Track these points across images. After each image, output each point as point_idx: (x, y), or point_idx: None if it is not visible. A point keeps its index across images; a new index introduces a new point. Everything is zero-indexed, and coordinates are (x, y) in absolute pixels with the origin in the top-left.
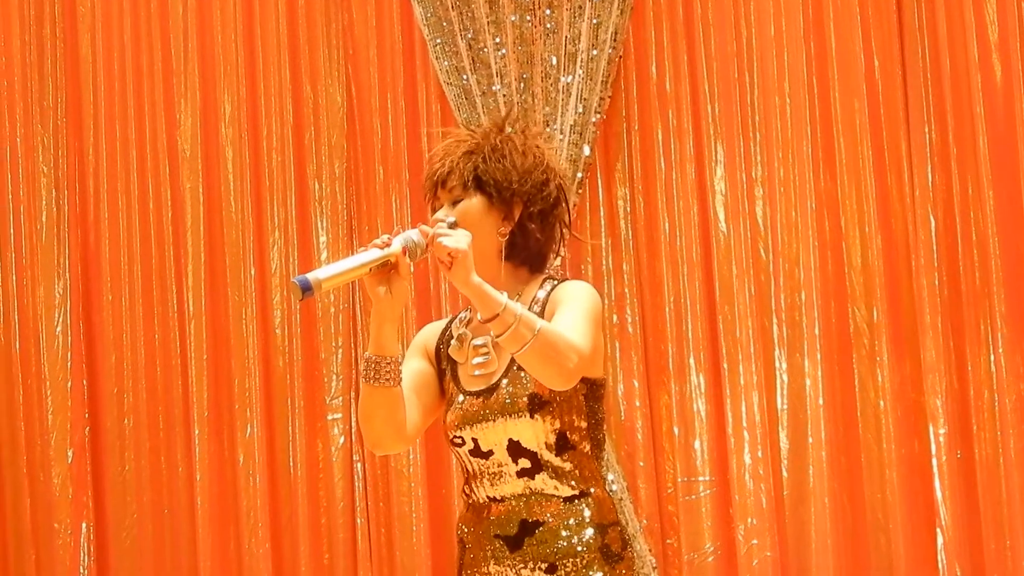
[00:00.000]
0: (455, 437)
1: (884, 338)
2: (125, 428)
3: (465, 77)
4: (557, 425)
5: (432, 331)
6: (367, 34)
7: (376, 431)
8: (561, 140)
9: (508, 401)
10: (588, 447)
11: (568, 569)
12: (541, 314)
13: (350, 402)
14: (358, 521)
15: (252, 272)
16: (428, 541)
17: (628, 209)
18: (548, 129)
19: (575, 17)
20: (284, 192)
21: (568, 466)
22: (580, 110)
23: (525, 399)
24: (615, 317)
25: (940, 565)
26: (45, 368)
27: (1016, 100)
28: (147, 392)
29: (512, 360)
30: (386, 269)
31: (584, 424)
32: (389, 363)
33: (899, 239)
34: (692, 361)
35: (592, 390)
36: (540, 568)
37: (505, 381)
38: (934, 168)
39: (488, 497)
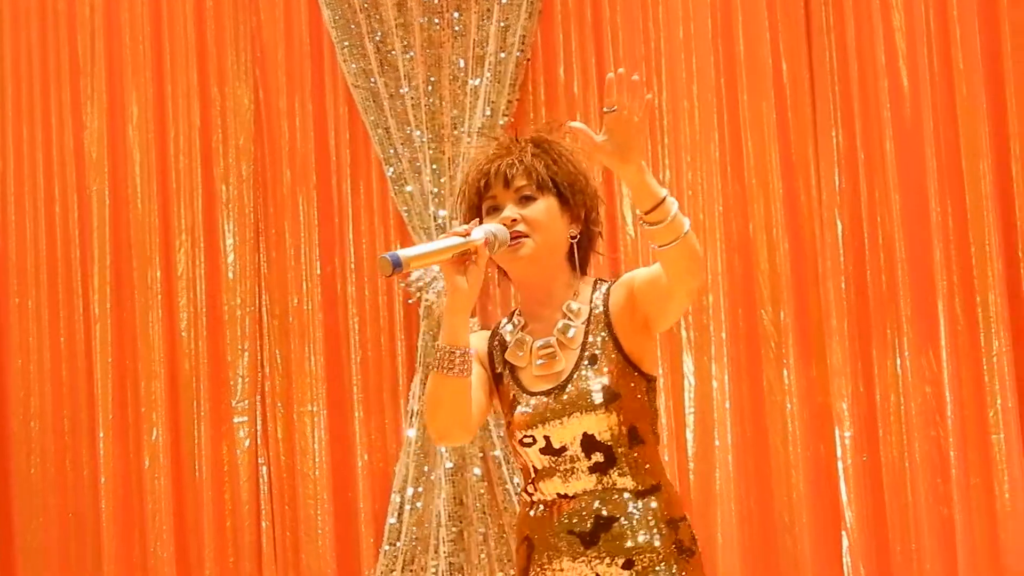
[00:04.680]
0: (525, 436)
1: (791, 341)
2: (31, 431)
3: (373, 80)
4: (629, 418)
5: (480, 339)
6: (275, 37)
7: (444, 421)
8: (469, 143)
9: (582, 396)
10: (654, 442)
11: (644, 564)
12: (606, 311)
13: (256, 405)
14: (263, 524)
15: (158, 275)
16: (333, 544)
17: None
18: (455, 132)
19: (483, 20)
20: (191, 194)
21: (640, 459)
22: (488, 113)
23: (600, 392)
24: None
25: (845, 567)
26: None
27: (923, 105)
28: (52, 395)
29: (581, 356)
30: (464, 258)
31: (647, 420)
32: (463, 354)
33: (806, 242)
34: None
35: (650, 386)
36: (617, 564)
37: (576, 377)
38: (841, 172)
39: (558, 494)
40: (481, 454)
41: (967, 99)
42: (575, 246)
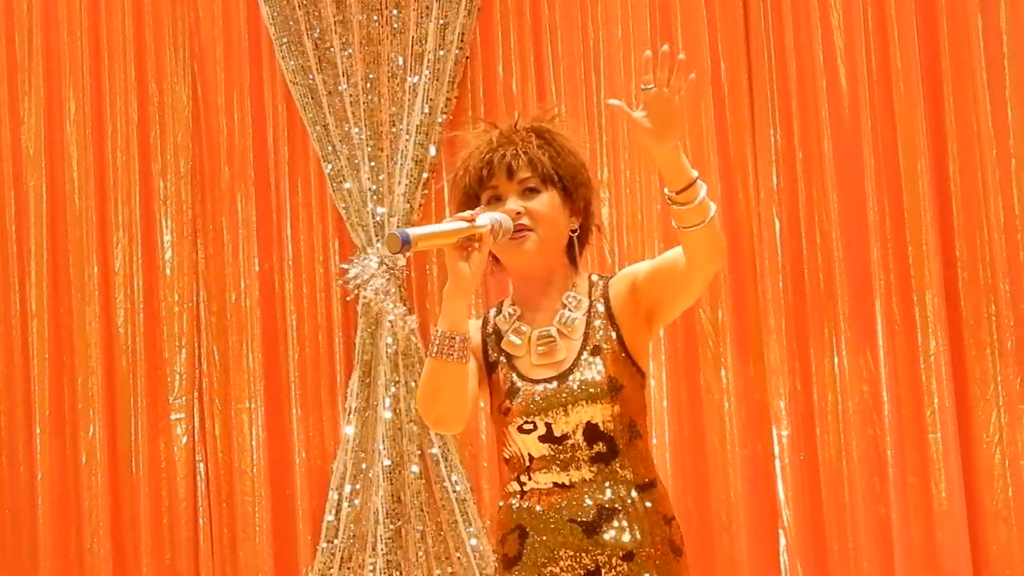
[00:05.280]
0: (526, 423)
1: (729, 340)
2: None
3: (311, 77)
4: (629, 411)
5: (471, 327)
6: (213, 33)
7: (442, 407)
8: (407, 141)
9: (587, 385)
10: (648, 438)
11: (643, 558)
12: (607, 304)
13: (193, 401)
14: (200, 521)
15: (95, 271)
16: (271, 541)
17: None
18: (394, 129)
19: (422, 17)
20: (128, 190)
21: (639, 453)
22: (426, 110)
23: (605, 382)
24: None
25: (783, 565)
26: None
27: (861, 105)
28: None
29: (583, 346)
30: (469, 243)
31: (643, 415)
32: (462, 339)
33: (744, 241)
34: None
35: (644, 382)
36: (617, 555)
37: (580, 366)
38: (779, 170)
39: (554, 483)
40: (419, 452)
41: (905, 98)
42: (574, 239)
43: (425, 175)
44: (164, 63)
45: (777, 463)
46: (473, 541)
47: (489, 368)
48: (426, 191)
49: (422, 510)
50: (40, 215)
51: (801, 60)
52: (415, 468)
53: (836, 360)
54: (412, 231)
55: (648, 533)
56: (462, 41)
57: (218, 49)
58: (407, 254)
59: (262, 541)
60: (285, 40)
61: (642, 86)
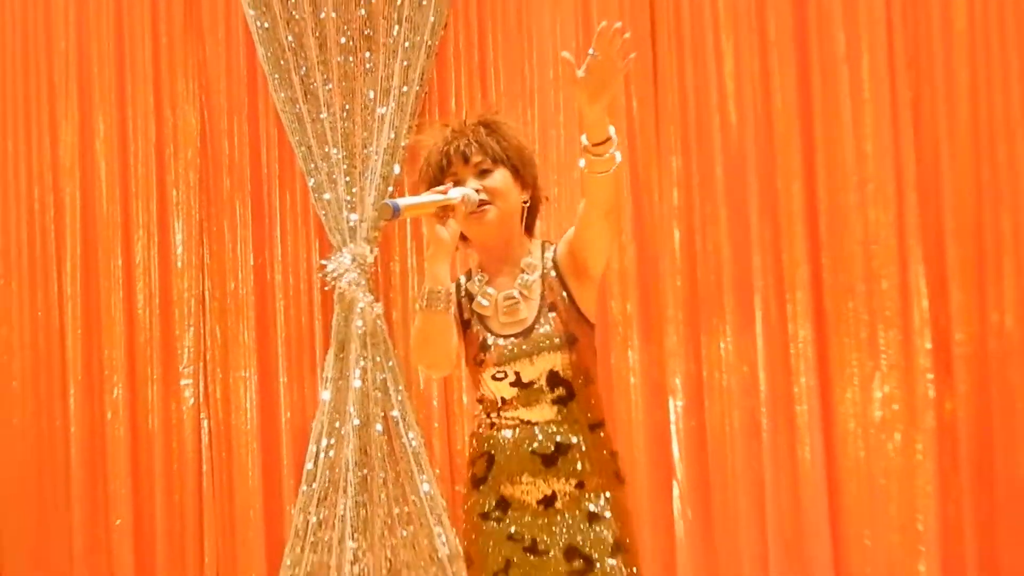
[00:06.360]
0: (498, 372)
1: (635, 327)
2: (13, 390)
3: (298, 107)
4: (583, 359)
5: None
6: (218, 69)
7: (434, 352)
8: (376, 160)
9: (548, 338)
10: (598, 382)
11: (593, 485)
12: (556, 266)
13: (199, 371)
14: (204, 467)
15: (120, 263)
16: (261, 484)
17: None
18: (365, 151)
19: (389, 59)
20: (147, 198)
21: (592, 396)
22: (392, 135)
23: (562, 335)
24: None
25: (675, 511)
26: None
27: (746, 138)
28: (31, 360)
29: (541, 305)
30: (444, 212)
31: (594, 362)
32: (447, 292)
33: (649, 247)
34: None
35: (593, 332)
36: (571, 483)
37: (540, 322)
38: (679, 190)
39: (521, 420)
40: (382, 414)
41: (783, 133)
42: (527, 210)
43: (391, 188)
44: (177, 93)
45: (673, 428)
46: (425, 487)
47: (464, 325)
48: None
49: (384, 460)
50: (75, 217)
51: (699, 101)
52: (379, 427)
53: (723, 345)
54: (400, 201)
55: (596, 465)
56: (422, 79)
57: (222, 82)
58: (400, 218)
59: (254, 485)
60: (276, 76)
61: (590, 51)
